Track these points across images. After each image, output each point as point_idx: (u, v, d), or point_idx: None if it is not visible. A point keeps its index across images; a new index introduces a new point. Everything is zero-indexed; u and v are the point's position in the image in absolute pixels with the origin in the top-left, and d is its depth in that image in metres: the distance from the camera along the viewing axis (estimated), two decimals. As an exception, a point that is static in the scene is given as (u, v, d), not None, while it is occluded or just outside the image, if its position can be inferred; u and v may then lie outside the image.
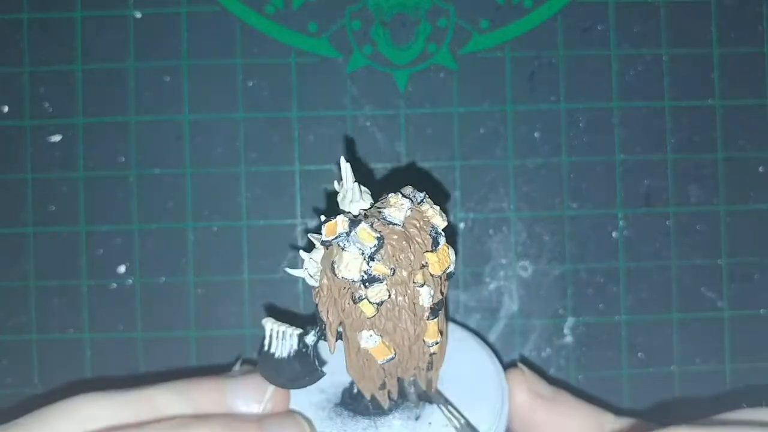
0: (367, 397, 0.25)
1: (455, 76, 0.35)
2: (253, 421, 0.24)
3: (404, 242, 0.21)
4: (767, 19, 0.35)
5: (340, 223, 0.21)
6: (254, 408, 0.25)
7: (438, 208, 0.23)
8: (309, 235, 0.23)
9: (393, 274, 0.21)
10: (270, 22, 0.35)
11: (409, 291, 0.22)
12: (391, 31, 0.35)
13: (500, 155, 0.35)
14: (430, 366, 0.25)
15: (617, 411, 0.29)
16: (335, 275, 0.21)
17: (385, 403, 0.25)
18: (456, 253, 0.35)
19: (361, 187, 0.22)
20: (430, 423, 0.25)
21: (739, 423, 0.21)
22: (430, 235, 0.22)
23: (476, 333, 0.32)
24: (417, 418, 0.25)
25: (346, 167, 0.22)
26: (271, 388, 0.26)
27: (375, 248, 0.21)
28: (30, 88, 0.35)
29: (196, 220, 0.34)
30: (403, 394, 0.26)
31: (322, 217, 0.22)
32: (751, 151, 0.35)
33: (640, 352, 0.34)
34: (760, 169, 0.35)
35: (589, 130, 0.35)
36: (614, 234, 0.35)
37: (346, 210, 0.22)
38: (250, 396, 0.25)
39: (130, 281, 0.34)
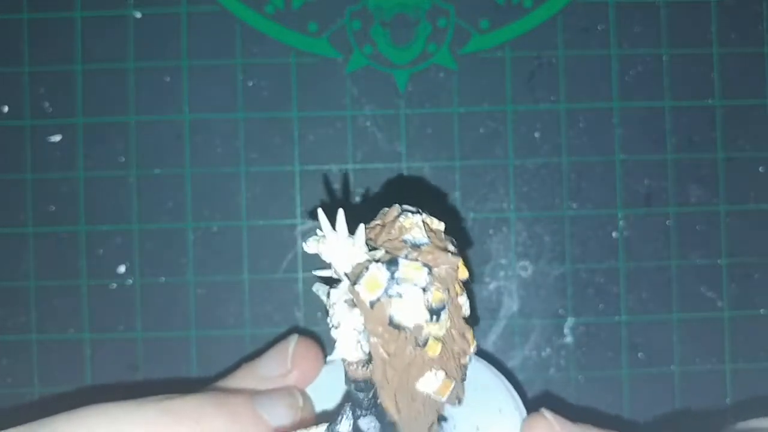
0: None
1: (455, 76, 0.35)
2: (245, 395, 0.24)
3: (444, 266, 0.19)
4: (767, 19, 0.35)
5: (378, 272, 0.18)
6: (281, 369, 0.26)
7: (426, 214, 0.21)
8: (331, 307, 0.20)
9: (449, 293, 0.19)
10: (270, 22, 0.35)
11: (457, 307, 0.20)
12: (391, 31, 0.35)
13: (500, 155, 0.35)
14: (463, 379, 0.22)
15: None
16: (401, 328, 0.19)
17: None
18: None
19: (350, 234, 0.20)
20: None
21: None
22: (447, 241, 0.20)
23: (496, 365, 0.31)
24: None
25: (340, 217, 0.19)
26: (293, 344, 0.26)
27: (428, 278, 0.18)
28: (30, 88, 0.35)
29: (196, 220, 0.34)
30: None
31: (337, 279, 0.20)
32: (751, 151, 0.35)
33: (640, 352, 0.34)
34: (760, 169, 0.35)
35: (589, 130, 0.35)
36: (614, 234, 0.35)
37: (340, 265, 0.20)
38: (276, 358, 0.26)
39: (130, 281, 0.34)
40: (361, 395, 0.21)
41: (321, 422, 0.22)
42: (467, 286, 0.21)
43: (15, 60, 0.35)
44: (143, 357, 0.34)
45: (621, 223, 0.35)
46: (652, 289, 0.35)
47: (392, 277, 0.18)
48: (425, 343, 0.19)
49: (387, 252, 0.19)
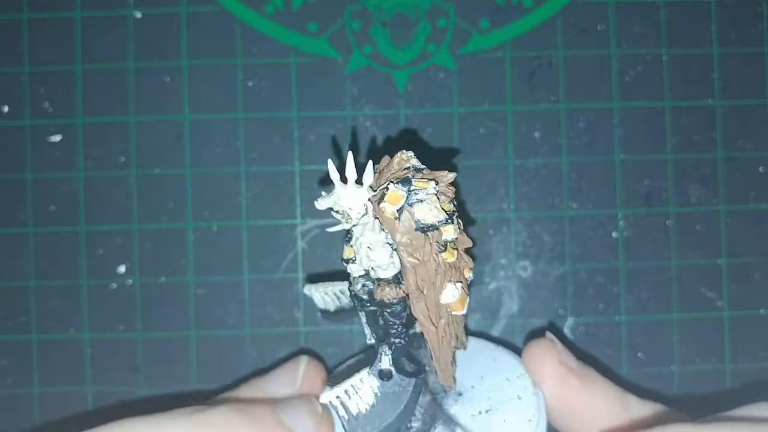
0: (446, 383, 0.25)
1: (455, 76, 0.35)
2: (267, 404, 0.24)
3: (445, 179, 0.22)
4: (767, 19, 0.35)
5: (397, 188, 0.21)
6: (290, 389, 0.26)
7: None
8: (356, 229, 0.22)
9: (454, 205, 0.22)
10: (270, 22, 0.35)
11: (459, 222, 0.23)
12: (391, 31, 0.35)
13: (500, 155, 0.35)
14: (465, 315, 0.25)
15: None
16: (426, 229, 0.21)
17: (453, 385, 0.25)
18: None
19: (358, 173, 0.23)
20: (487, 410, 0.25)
21: (741, 419, 0.21)
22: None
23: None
24: (482, 412, 0.25)
25: (349, 162, 0.22)
26: (302, 366, 0.27)
27: (437, 188, 0.22)
28: (30, 88, 0.35)
29: (196, 220, 0.34)
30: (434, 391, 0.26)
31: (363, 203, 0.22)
32: (751, 151, 0.35)
33: (640, 352, 0.34)
34: (760, 169, 0.35)
35: (589, 130, 0.35)
36: (614, 234, 0.35)
37: (351, 205, 0.22)
38: (285, 378, 0.27)
39: (130, 281, 0.34)
40: (395, 322, 0.23)
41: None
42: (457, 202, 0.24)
43: (15, 60, 0.35)
44: (143, 357, 0.34)
45: (621, 223, 0.35)
46: (652, 289, 0.35)
47: (410, 190, 0.21)
48: (444, 248, 0.22)
49: (394, 180, 0.22)
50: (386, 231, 0.22)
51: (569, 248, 0.35)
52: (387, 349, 0.23)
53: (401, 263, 0.22)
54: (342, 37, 0.35)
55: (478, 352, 0.28)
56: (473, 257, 0.24)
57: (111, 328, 0.34)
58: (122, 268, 0.34)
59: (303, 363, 0.28)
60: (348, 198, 0.22)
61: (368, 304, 0.23)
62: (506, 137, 0.35)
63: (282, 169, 0.35)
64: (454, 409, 0.25)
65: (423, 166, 0.23)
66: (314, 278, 0.25)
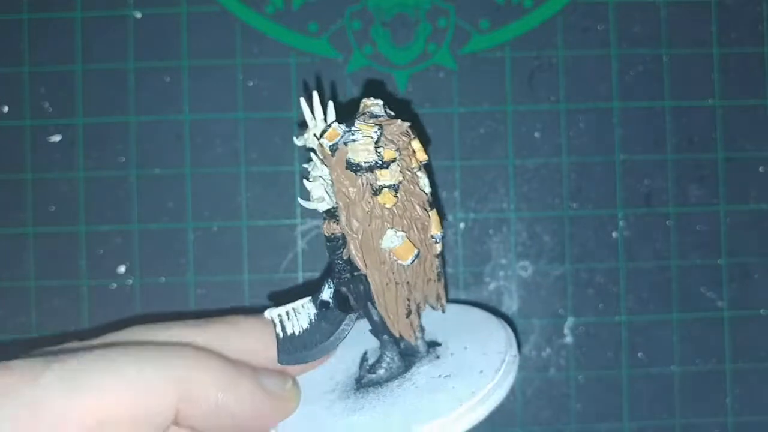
0: (397, 334, 0.25)
1: (455, 76, 0.35)
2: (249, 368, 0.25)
3: (394, 127, 0.23)
4: (767, 19, 0.35)
5: (337, 126, 0.22)
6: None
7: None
8: (306, 165, 0.24)
9: (400, 154, 0.23)
10: (270, 22, 0.35)
11: (413, 176, 0.23)
12: (391, 31, 0.35)
13: (500, 155, 0.35)
14: (440, 276, 0.25)
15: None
16: (352, 166, 0.22)
17: (416, 339, 0.26)
18: (454, 253, 0.35)
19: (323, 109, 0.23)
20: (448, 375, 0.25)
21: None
22: (403, 124, 0.24)
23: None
24: (441, 376, 0.25)
25: (315, 100, 0.23)
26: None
27: (378, 133, 0.22)
28: (30, 88, 0.35)
29: (196, 220, 0.34)
30: (411, 349, 0.26)
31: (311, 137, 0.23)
32: (751, 151, 0.35)
33: (640, 352, 0.34)
34: (760, 169, 0.35)
35: (588, 130, 0.35)
36: (614, 234, 0.35)
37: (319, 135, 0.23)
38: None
39: (130, 281, 0.34)
40: (336, 255, 0.24)
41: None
42: (428, 169, 0.24)
43: (15, 60, 0.35)
44: (143, 357, 0.34)
45: (621, 223, 0.35)
46: (652, 289, 0.35)
47: (349, 130, 0.22)
48: (379, 191, 0.22)
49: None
50: (325, 166, 0.23)
51: (569, 248, 0.35)
52: (330, 282, 0.24)
53: (336, 199, 0.23)
54: (342, 37, 0.35)
55: (479, 325, 0.28)
56: (441, 218, 0.25)
57: (111, 328, 0.34)
58: (122, 268, 0.34)
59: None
60: (318, 132, 0.23)
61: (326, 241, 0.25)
62: (506, 137, 0.35)
63: (282, 169, 0.35)
64: (423, 368, 0.26)
65: (382, 114, 0.23)
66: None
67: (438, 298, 0.26)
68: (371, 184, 0.22)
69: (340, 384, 0.26)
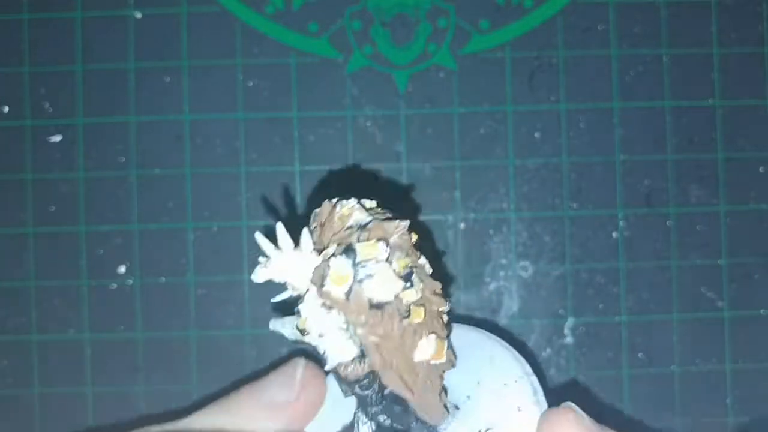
0: (437, 422, 0.23)
1: (455, 76, 0.35)
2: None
3: (396, 231, 0.20)
4: (767, 19, 0.35)
5: (341, 263, 0.18)
6: (288, 394, 0.25)
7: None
8: (298, 311, 0.20)
9: (409, 256, 0.19)
10: (270, 22, 0.35)
11: (421, 269, 0.20)
12: (391, 31, 0.35)
13: (500, 155, 0.35)
14: (448, 334, 0.23)
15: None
16: (382, 306, 0.19)
17: (450, 409, 0.23)
18: (454, 253, 0.35)
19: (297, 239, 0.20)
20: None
21: None
22: (386, 212, 0.20)
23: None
24: None
25: (280, 231, 0.19)
26: (300, 369, 0.25)
27: (388, 251, 0.19)
28: (30, 88, 0.35)
29: (196, 220, 0.34)
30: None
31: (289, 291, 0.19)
32: (751, 151, 0.35)
33: (640, 352, 0.34)
34: (760, 169, 0.35)
35: (589, 130, 0.35)
36: (614, 234, 0.35)
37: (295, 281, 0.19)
38: (283, 383, 0.25)
39: (130, 281, 0.34)
40: (367, 393, 0.21)
41: None
42: (418, 246, 0.21)
43: (15, 60, 0.35)
44: (143, 357, 0.34)
45: (621, 223, 0.35)
46: (652, 289, 0.35)
47: (355, 263, 0.18)
48: (408, 313, 0.19)
49: (339, 245, 0.19)
50: (336, 311, 0.19)
51: (569, 248, 0.35)
52: (364, 417, 0.21)
53: (362, 342, 0.19)
54: (342, 37, 0.35)
55: (473, 347, 0.26)
56: (444, 296, 0.22)
57: (111, 329, 0.34)
58: (122, 268, 0.34)
59: (300, 366, 0.26)
60: (287, 268, 0.19)
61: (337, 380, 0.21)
62: (506, 137, 0.35)
63: (282, 169, 0.35)
64: (452, 427, 0.24)
65: (368, 219, 0.19)
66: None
67: (449, 359, 0.23)
68: (398, 310, 0.19)
69: None
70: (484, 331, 0.27)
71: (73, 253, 0.34)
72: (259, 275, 0.19)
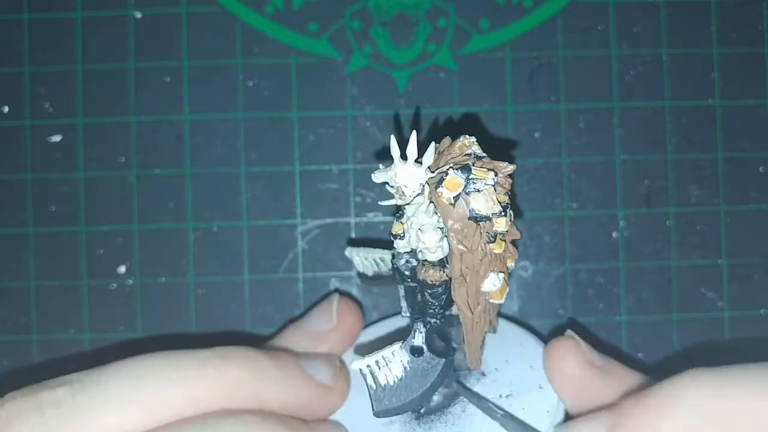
0: (472, 366, 0.25)
1: (455, 76, 0.35)
2: (290, 353, 0.26)
3: (502, 170, 0.22)
4: (767, 19, 0.35)
5: (457, 175, 0.21)
6: (327, 323, 0.28)
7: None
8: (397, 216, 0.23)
9: (509, 197, 0.22)
10: (270, 22, 0.35)
11: (510, 215, 0.23)
12: (391, 31, 0.35)
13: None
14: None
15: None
16: (479, 219, 0.21)
17: (479, 367, 0.26)
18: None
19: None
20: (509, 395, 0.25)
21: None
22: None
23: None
24: (502, 396, 0.25)
25: (412, 140, 0.22)
26: (335, 302, 0.28)
27: (495, 179, 0.21)
28: (30, 88, 0.35)
29: (196, 220, 0.34)
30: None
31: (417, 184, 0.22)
32: (751, 151, 0.35)
33: (640, 352, 0.34)
34: (761, 169, 0.35)
35: (589, 130, 0.35)
36: (614, 234, 0.35)
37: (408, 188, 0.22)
38: (321, 315, 0.29)
39: (130, 281, 0.34)
40: (434, 303, 0.23)
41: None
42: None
43: (15, 60, 0.35)
44: (143, 357, 0.34)
45: (621, 223, 0.35)
46: (652, 289, 0.35)
47: (468, 178, 0.21)
48: (494, 239, 0.22)
49: (455, 165, 0.22)
50: (439, 215, 0.22)
51: (569, 248, 0.35)
52: (422, 326, 0.24)
53: (450, 249, 0.22)
54: (342, 37, 0.35)
55: (506, 335, 0.28)
56: (517, 248, 0.25)
57: (111, 328, 0.34)
58: (122, 268, 0.34)
59: (335, 300, 0.30)
60: (406, 176, 0.22)
61: (410, 281, 0.24)
62: (506, 137, 0.35)
63: (282, 169, 0.35)
64: (476, 388, 0.26)
65: (484, 154, 0.22)
66: (357, 243, 0.25)
67: (492, 323, 0.26)
68: (488, 232, 0.22)
69: (396, 418, 0.25)
70: (516, 324, 0.30)
71: (73, 253, 0.34)
72: (378, 176, 0.22)
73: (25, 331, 0.34)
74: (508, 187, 0.22)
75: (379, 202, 0.24)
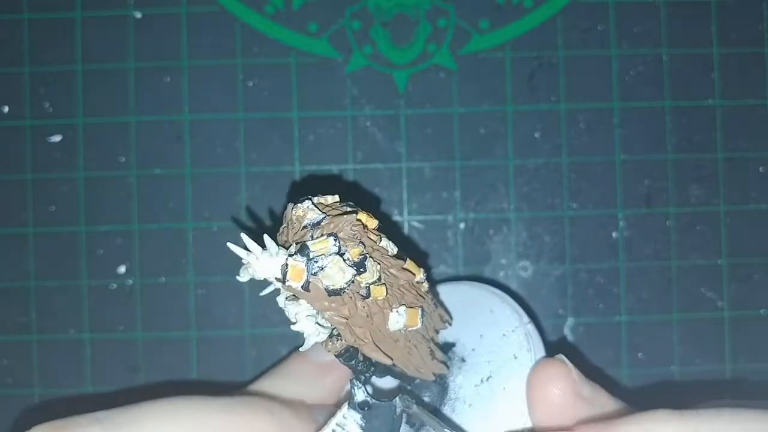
0: (434, 378, 0.25)
1: (455, 77, 0.35)
2: (302, 402, 0.26)
3: (344, 225, 0.21)
4: (767, 19, 0.35)
5: (295, 262, 0.21)
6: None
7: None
8: (286, 306, 0.22)
9: (363, 244, 0.21)
10: (270, 22, 0.35)
11: (379, 249, 0.22)
12: (391, 31, 0.35)
13: (500, 155, 0.35)
14: (437, 304, 0.25)
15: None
16: (339, 292, 0.21)
17: (448, 363, 0.25)
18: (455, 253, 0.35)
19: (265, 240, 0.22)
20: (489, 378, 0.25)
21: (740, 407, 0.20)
22: (343, 207, 0.22)
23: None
24: (483, 381, 0.25)
25: (246, 240, 0.22)
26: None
27: (337, 244, 0.21)
28: (30, 88, 0.35)
29: (196, 220, 0.34)
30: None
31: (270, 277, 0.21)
32: (751, 151, 0.35)
33: (640, 352, 0.34)
34: (761, 169, 0.35)
35: (589, 130, 0.35)
36: (614, 234, 0.35)
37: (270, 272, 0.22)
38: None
39: (130, 281, 0.34)
40: (353, 363, 0.23)
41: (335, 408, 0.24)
42: (383, 229, 0.22)
43: (15, 60, 0.35)
44: (143, 357, 0.34)
45: (621, 223, 0.35)
46: (652, 289, 0.35)
47: (309, 259, 0.21)
48: (368, 293, 0.21)
49: (296, 243, 0.21)
50: (303, 300, 0.21)
51: (569, 248, 0.35)
52: (358, 383, 0.23)
53: (332, 324, 0.22)
54: (342, 37, 0.35)
55: (476, 303, 0.27)
56: (418, 262, 0.23)
57: (111, 329, 0.34)
58: (122, 269, 0.34)
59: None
60: (264, 269, 0.22)
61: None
62: (506, 137, 0.35)
63: (282, 169, 0.35)
64: (459, 379, 0.26)
65: (320, 217, 0.22)
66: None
67: (443, 319, 0.26)
68: (358, 292, 0.21)
69: None
70: (487, 286, 0.29)
71: (72, 253, 0.34)
72: (243, 276, 0.22)
73: (25, 331, 0.34)
74: (360, 236, 0.21)
75: (260, 294, 0.24)
